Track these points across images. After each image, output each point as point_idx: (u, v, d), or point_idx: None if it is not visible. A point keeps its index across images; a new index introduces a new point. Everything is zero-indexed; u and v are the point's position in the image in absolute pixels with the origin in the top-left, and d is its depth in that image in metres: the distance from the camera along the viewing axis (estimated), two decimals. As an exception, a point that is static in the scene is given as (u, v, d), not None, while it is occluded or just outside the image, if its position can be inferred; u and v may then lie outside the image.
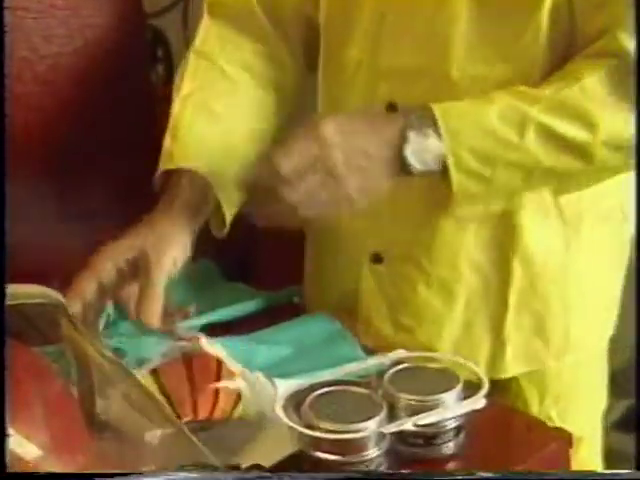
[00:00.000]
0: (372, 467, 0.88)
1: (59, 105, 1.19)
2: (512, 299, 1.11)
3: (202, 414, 0.92)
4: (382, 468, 0.89)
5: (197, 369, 0.96)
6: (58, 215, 1.21)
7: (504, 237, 1.09)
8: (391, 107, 1.07)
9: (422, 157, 0.96)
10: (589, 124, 0.96)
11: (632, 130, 0.95)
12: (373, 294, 1.14)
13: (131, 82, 1.29)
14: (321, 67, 1.16)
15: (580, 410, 1.19)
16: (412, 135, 0.96)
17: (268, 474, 0.81)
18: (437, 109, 0.97)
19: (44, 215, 1.19)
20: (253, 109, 1.15)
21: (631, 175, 1.02)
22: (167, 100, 1.56)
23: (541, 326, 1.13)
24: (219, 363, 0.97)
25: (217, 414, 0.93)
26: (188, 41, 1.71)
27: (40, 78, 1.16)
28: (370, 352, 1.07)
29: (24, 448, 0.73)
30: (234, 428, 0.93)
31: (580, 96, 0.96)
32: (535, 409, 1.16)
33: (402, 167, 0.97)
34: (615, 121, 0.96)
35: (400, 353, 0.98)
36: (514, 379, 1.15)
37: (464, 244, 1.09)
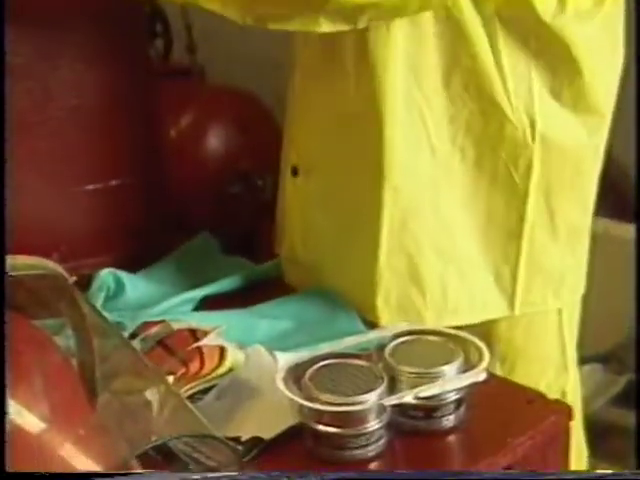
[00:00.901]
0: (372, 440, 0.89)
1: (57, 80, 1.18)
2: (384, 231, 1.07)
3: (192, 370, 0.94)
4: (382, 441, 0.89)
5: (174, 344, 0.99)
6: (58, 189, 1.20)
7: (373, 158, 1.07)
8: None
9: None
10: None
11: None
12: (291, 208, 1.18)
13: (130, 57, 1.28)
14: None
15: (529, 375, 1.15)
16: None
17: (276, 473, 0.80)
18: None
19: (45, 188, 1.19)
20: None
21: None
22: (166, 75, 1.56)
23: (416, 273, 1.09)
24: (192, 331, 1.00)
25: (207, 368, 0.95)
26: (186, 16, 1.71)
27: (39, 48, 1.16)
28: (371, 326, 1.07)
29: (24, 418, 0.73)
30: (233, 400, 0.93)
31: None
32: None
33: None
34: None
35: (401, 326, 0.98)
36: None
37: (337, 160, 1.11)
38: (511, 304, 1.13)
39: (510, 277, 1.13)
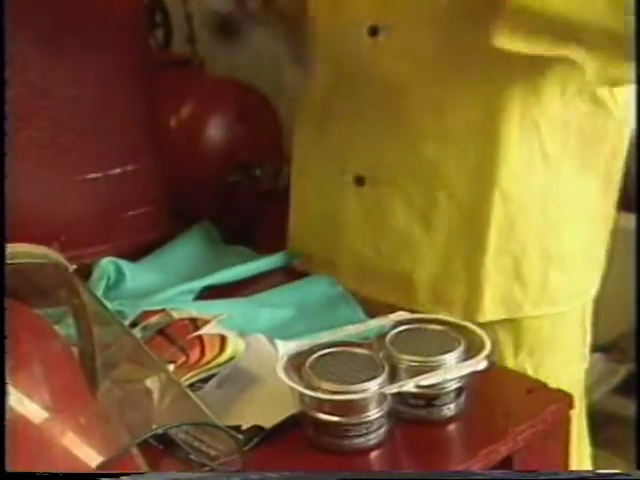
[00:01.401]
0: (373, 428, 0.88)
1: (56, 68, 1.18)
2: (492, 238, 1.10)
3: (193, 358, 0.95)
4: (383, 430, 0.89)
5: (174, 333, 0.99)
6: (58, 178, 1.20)
7: (486, 170, 1.08)
8: (372, 31, 1.08)
9: None
10: None
11: None
12: (356, 216, 1.14)
13: (130, 47, 1.28)
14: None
15: (556, 366, 1.18)
16: None
17: (274, 475, 0.80)
18: None
19: (45, 177, 1.18)
20: None
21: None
22: (166, 65, 1.56)
23: (519, 270, 1.12)
24: (192, 320, 1.00)
25: (208, 356, 0.95)
26: (186, 6, 1.71)
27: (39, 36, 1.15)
28: (372, 315, 1.07)
29: (25, 406, 0.73)
30: (233, 389, 0.93)
31: None
32: (510, 361, 1.15)
33: None
34: None
35: (402, 315, 0.98)
36: (490, 330, 1.13)
37: (444, 172, 1.09)
38: (594, 288, 1.19)
39: (599, 264, 1.19)
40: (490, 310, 1.13)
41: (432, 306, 1.11)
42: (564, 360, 1.21)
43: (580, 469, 1.21)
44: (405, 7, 1.06)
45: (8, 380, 0.73)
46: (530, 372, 1.16)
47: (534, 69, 1.05)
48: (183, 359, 0.95)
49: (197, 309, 1.05)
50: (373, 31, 1.08)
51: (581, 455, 1.26)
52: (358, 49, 1.10)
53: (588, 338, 1.24)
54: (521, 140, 1.07)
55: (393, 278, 1.13)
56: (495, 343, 1.13)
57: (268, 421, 0.89)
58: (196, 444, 0.86)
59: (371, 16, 1.08)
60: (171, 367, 0.94)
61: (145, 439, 0.76)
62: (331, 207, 1.16)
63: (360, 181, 1.13)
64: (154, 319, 1.02)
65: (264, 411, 0.91)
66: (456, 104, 1.07)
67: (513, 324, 1.15)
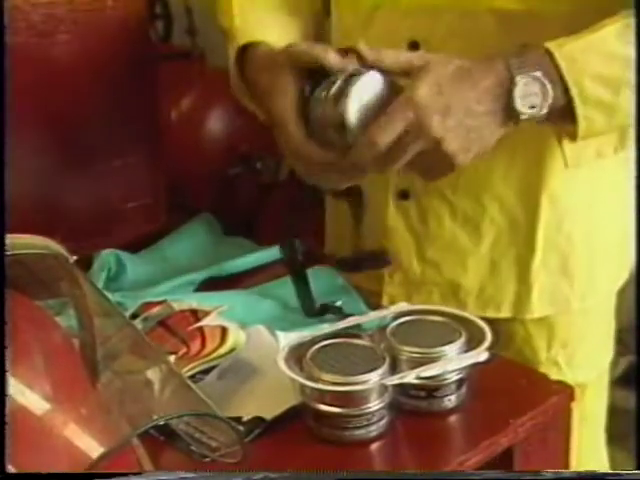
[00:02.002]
0: (374, 420, 0.89)
1: (56, 58, 1.18)
2: (539, 238, 1.10)
3: (194, 349, 0.95)
4: (384, 421, 0.89)
5: (175, 324, 0.99)
6: (59, 169, 1.20)
7: (534, 175, 1.08)
8: (412, 45, 1.05)
9: (532, 102, 0.91)
10: None
11: None
12: (401, 230, 1.13)
13: (130, 39, 1.28)
14: (335, 10, 1.15)
15: (587, 357, 1.19)
16: (519, 79, 0.90)
17: (275, 474, 0.80)
18: (550, 46, 0.91)
19: (46, 169, 1.18)
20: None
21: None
22: (166, 57, 1.56)
23: (566, 266, 1.13)
24: (193, 312, 1.00)
25: (209, 347, 0.95)
26: (187, -2, 1.70)
27: (35, 28, 1.15)
28: (373, 307, 1.07)
29: (26, 397, 0.73)
30: (234, 380, 0.93)
31: None
32: (543, 355, 1.16)
33: (509, 117, 0.92)
34: None
35: (403, 306, 0.98)
36: (522, 325, 1.14)
37: (491, 179, 1.08)
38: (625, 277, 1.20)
39: (631, 253, 1.17)
40: (538, 307, 1.13)
41: (480, 310, 1.11)
42: (594, 351, 1.21)
43: (590, 460, 1.22)
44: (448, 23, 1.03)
45: (9, 371, 0.73)
46: (562, 364, 1.17)
47: None
48: (184, 350, 0.96)
49: (198, 300, 1.05)
50: (413, 46, 1.05)
51: (597, 443, 1.26)
52: None
53: (613, 329, 1.25)
54: (567, 141, 1.05)
55: (440, 286, 1.13)
56: (527, 337, 1.14)
57: (269, 412, 0.89)
58: (197, 435, 0.86)
59: (411, 30, 1.05)
60: (172, 358, 0.94)
61: (146, 430, 0.76)
62: (374, 221, 1.13)
63: (404, 195, 1.12)
64: (155, 310, 1.02)
65: (265, 402, 0.91)
66: None
67: (547, 318, 1.15)
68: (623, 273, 1.21)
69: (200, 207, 1.30)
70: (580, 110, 0.92)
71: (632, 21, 0.92)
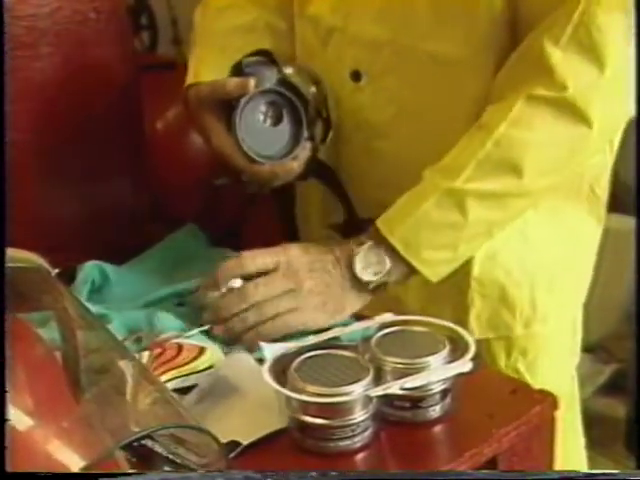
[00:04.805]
0: (358, 431, 0.88)
1: (40, 70, 1.18)
2: (475, 270, 1.13)
3: (169, 352, 0.96)
4: (368, 432, 0.89)
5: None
6: (41, 181, 1.20)
7: None
8: (355, 75, 1.09)
9: (375, 270, 1.02)
10: (513, 171, 0.99)
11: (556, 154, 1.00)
12: None
13: (114, 49, 1.28)
14: (298, 28, 1.17)
15: (550, 364, 1.20)
16: (361, 253, 1.02)
17: (272, 473, 0.80)
18: (383, 231, 1.01)
19: (27, 181, 1.18)
20: None
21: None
22: (151, 68, 1.56)
23: (505, 296, 1.15)
24: (179, 346, 0.99)
25: (184, 356, 0.96)
26: (172, 8, 1.71)
27: (17, 41, 1.15)
28: (358, 318, 1.07)
29: (7, 412, 0.73)
30: (213, 403, 0.92)
31: (496, 150, 0.99)
32: (502, 362, 1.17)
33: (358, 284, 1.03)
34: (538, 155, 1.00)
35: (387, 317, 0.98)
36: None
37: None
38: (583, 299, 1.22)
39: (586, 278, 1.21)
40: (477, 331, 1.15)
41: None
42: (556, 358, 1.22)
43: (570, 467, 1.22)
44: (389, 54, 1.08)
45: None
46: (523, 370, 1.17)
47: None
48: (159, 350, 0.94)
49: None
50: (356, 75, 1.10)
51: (574, 449, 1.26)
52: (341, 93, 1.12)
53: (579, 337, 1.25)
54: None
55: (385, 300, 1.13)
56: (487, 345, 1.15)
57: (248, 435, 0.88)
58: (171, 457, 0.85)
59: (354, 60, 1.10)
60: (145, 355, 0.93)
61: (129, 443, 0.76)
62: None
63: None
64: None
65: (243, 425, 0.89)
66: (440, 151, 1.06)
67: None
68: (578, 298, 1.22)
69: (185, 218, 1.30)
70: (425, 271, 1.03)
71: (442, 184, 1.01)
